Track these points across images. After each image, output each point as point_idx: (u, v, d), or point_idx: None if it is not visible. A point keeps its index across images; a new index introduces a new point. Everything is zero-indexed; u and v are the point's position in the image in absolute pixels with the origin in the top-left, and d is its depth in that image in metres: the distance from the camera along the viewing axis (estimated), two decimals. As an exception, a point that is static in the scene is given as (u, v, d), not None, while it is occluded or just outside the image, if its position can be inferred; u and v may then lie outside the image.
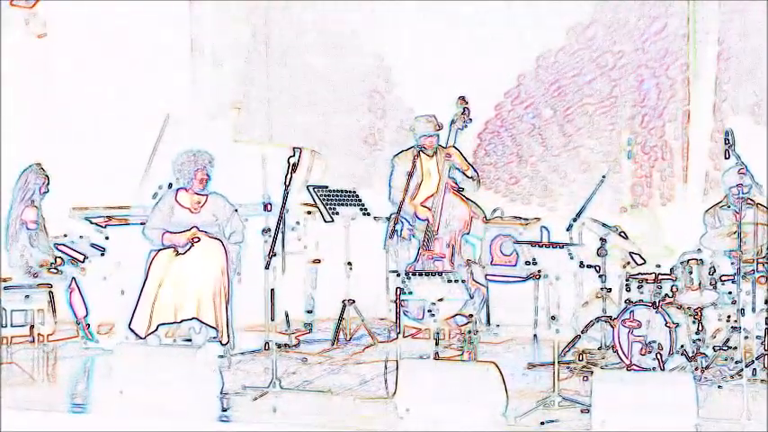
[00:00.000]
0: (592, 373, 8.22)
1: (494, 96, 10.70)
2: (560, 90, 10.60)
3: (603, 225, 9.23)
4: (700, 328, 8.74)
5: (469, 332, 8.96)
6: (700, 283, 8.78)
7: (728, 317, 8.81)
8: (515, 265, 9.81)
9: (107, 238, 9.91)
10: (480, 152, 10.78)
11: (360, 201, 10.22)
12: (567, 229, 9.43)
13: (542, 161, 10.70)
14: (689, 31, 10.26)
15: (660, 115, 10.37)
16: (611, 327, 8.87)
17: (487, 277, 9.89)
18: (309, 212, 10.27)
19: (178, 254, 9.29)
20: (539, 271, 8.92)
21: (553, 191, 10.66)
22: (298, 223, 10.21)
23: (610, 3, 10.42)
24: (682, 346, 8.64)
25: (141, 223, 9.53)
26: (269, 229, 9.36)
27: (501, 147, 10.78)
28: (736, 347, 8.66)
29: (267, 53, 10.87)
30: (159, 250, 9.29)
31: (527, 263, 8.84)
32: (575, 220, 9.41)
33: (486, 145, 10.77)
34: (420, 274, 8.63)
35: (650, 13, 10.33)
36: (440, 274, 8.65)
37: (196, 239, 9.27)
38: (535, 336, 9.33)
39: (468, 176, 9.87)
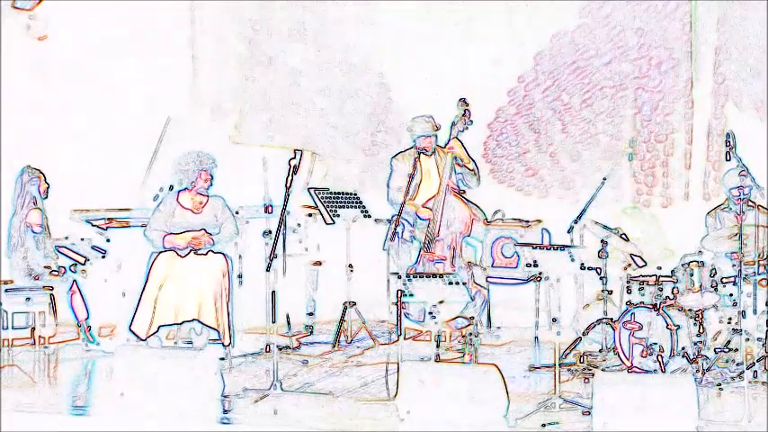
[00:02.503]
0: (593, 375, 8.22)
1: (505, 82, 10.46)
2: (577, 71, 10.30)
3: (604, 227, 9.24)
4: (701, 331, 8.73)
5: (470, 334, 8.96)
6: (701, 285, 8.78)
7: (729, 319, 8.81)
8: (516, 268, 9.80)
9: (108, 240, 9.92)
10: (491, 143, 10.52)
11: (361, 203, 10.23)
12: (568, 231, 9.43)
13: (561, 150, 10.49)
14: (691, 32, 10.22)
15: (677, 100, 10.19)
16: (613, 329, 8.87)
17: (488, 279, 9.89)
18: (310, 215, 10.27)
19: (179, 255, 9.29)
20: (540, 273, 8.91)
21: (573, 182, 10.48)
22: (299, 225, 10.21)
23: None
24: (683, 348, 8.64)
25: (142, 225, 9.54)
26: (270, 232, 9.36)
27: (515, 136, 10.50)
28: (737, 350, 8.66)
29: (267, 55, 10.86)
30: (160, 252, 9.30)
31: (528, 265, 8.84)
32: (576, 221, 9.41)
33: (498, 135, 10.49)
34: (421, 277, 8.63)
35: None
36: (441, 276, 8.65)
37: (197, 243, 9.28)
38: (536, 338, 9.31)
39: (469, 169, 9.84)
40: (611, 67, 10.28)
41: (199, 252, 9.28)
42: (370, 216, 10.16)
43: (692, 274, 8.78)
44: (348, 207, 10.13)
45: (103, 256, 9.84)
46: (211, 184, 9.40)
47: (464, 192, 9.92)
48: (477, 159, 10.23)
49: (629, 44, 10.25)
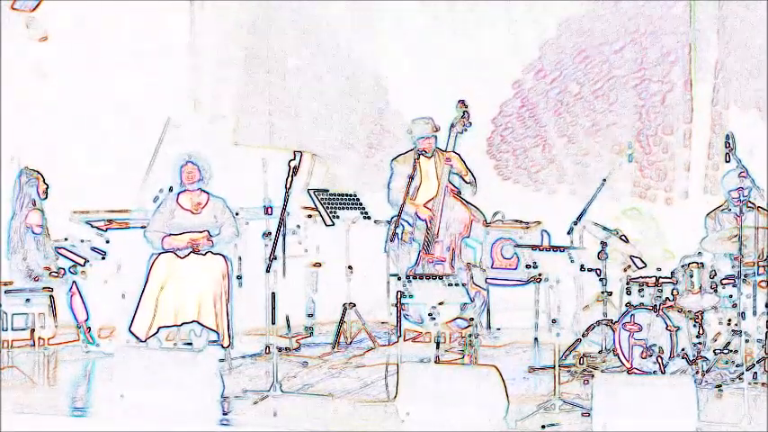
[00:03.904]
0: (593, 376, 8.22)
1: (510, 74, 10.31)
2: (586, 60, 9.99)
3: (604, 228, 9.23)
4: (700, 332, 8.73)
5: (470, 336, 8.96)
6: (700, 287, 8.78)
7: (729, 320, 8.81)
8: (516, 269, 9.80)
9: (108, 241, 9.92)
10: (496, 139, 10.30)
11: (360, 204, 10.23)
12: (568, 233, 9.43)
13: (572, 143, 10.32)
14: (690, 30, 10.17)
15: (681, 93, 10.03)
16: (612, 330, 8.87)
17: (488, 281, 9.89)
18: (310, 216, 10.27)
19: (178, 257, 9.29)
20: (539, 274, 8.91)
21: (585, 177, 10.34)
22: (298, 227, 10.22)
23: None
24: (682, 350, 8.64)
25: (142, 227, 9.54)
26: (270, 233, 9.36)
27: (522, 130, 10.27)
28: (736, 351, 8.65)
29: (267, 57, 10.86)
30: (160, 253, 9.30)
31: (528, 266, 8.84)
32: (575, 223, 9.41)
33: (503, 130, 10.29)
34: (420, 278, 8.63)
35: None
36: (440, 277, 8.64)
37: (196, 245, 9.27)
38: (536, 339, 9.31)
39: (465, 182, 9.83)
40: (621, 54, 10.12)
41: (198, 253, 9.28)
42: (369, 217, 10.17)
43: (691, 276, 8.77)
44: (347, 208, 10.13)
45: (103, 258, 9.84)
46: (201, 178, 9.35)
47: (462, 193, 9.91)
48: (482, 156, 10.19)
49: (638, 31, 10.08)
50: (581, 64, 10.21)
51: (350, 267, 10.01)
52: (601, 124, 10.27)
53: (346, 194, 10.27)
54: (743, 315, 8.43)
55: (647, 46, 10.08)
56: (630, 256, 9.21)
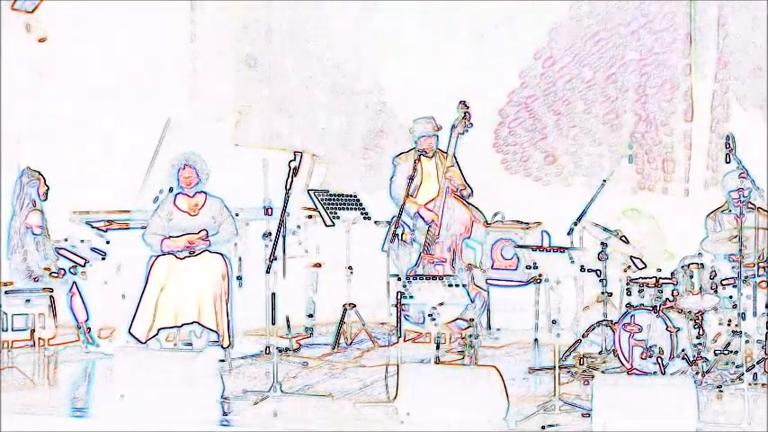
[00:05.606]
0: (593, 377, 8.23)
1: (517, 61, 10.13)
2: (600, 44, 9.68)
3: (604, 229, 9.24)
4: (700, 333, 8.73)
5: (470, 336, 8.96)
6: (700, 288, 8.78)
7: (729, 321, 8.81)
8: (516, 270, 9.80)
9: (108, 242, 9.92)
10: (503, 131, 10.09)
11: (360, 205, 10.23)
12: (568, 233, 9.43)
13: (585, 133, 10.15)
14: (691, 30, 10.14)
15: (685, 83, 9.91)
16: (612, 331, 8.88)
17: (488, 281, 9.89)
18: (310, 216, 10.28)
19: (177, 257, 9.29)
20: (540, 275, 8.91)
21: (601, 167, 10.22)
22: (299, 227, 10.22)
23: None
24: (682, 351, 8.64)
25: (142, 227, 9.53)
26: (270, 234, 9.36)
27: (531, 120, 10.02)
28: (736, 352, 8.65)
29: (267, 57, 10.86)
30: (159, 255, 9.29)
31: (528, 267, 8.83)
32: (575, 223, 9.41)
33: (511, 122, 10.09)
34: (421, 279, 8.63)
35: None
36: (440, 278, 8.64)
37: (192, 245, 9.26)
38: (536, 340, 9.31)
39: (462, 195, 9.82)
40: (637, 36, 9.92)
41: (195, 253, 9.27)
42: (369, 218, 10.17)
43: (691, 277, 8.77)
44: (348, 209, 10.13)
45: (103, 258, 9.84)
46: (199, 181, 9.34)
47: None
48: (487, 149, 10.13)
49: (652, 11, 9.91)
50: (593, 48, 10.00)
51: (350, 268, 10.01)
52: (615, 112, 10.12)
53: (346, 195, 10.27)
54: (743, 316, 8.43)
55: (660, 29, 9.92)
56: (630, 257, 9.21)
